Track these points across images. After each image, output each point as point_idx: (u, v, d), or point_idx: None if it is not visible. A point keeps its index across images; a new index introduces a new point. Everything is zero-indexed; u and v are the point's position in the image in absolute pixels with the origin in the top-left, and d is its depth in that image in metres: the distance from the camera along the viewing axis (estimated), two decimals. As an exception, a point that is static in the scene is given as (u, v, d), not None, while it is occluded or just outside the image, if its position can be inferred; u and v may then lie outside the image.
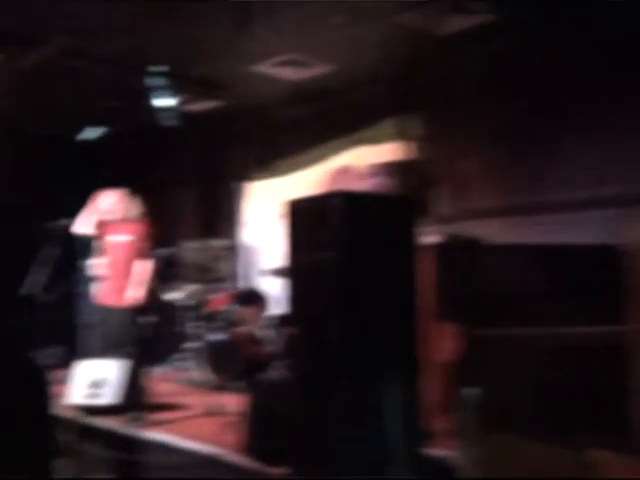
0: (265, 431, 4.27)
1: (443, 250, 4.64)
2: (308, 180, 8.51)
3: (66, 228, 6.20)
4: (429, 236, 4.60)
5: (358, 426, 3.58)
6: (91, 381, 5.70)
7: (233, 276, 8.32)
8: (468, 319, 4.42)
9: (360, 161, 8.01)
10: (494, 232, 6.23)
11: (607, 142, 6.05)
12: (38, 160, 9.51)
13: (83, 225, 6.20)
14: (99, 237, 6.41)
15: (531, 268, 4.79)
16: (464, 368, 4.23)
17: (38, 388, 3.89)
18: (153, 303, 6.36)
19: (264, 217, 8.97)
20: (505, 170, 6.77)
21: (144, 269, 6.15)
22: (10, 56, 6.77)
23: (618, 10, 5.73)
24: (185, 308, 7.76)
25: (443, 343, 4.41)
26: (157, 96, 7.79)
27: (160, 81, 7.62)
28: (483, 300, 4.52)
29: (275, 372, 6.54)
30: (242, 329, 7.04)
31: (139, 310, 6.09)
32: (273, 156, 9.09)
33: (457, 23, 6.27)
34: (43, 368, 4.39)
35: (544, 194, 6.45)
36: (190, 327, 7.62)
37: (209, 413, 5.47)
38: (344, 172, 8.13)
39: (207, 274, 7.96)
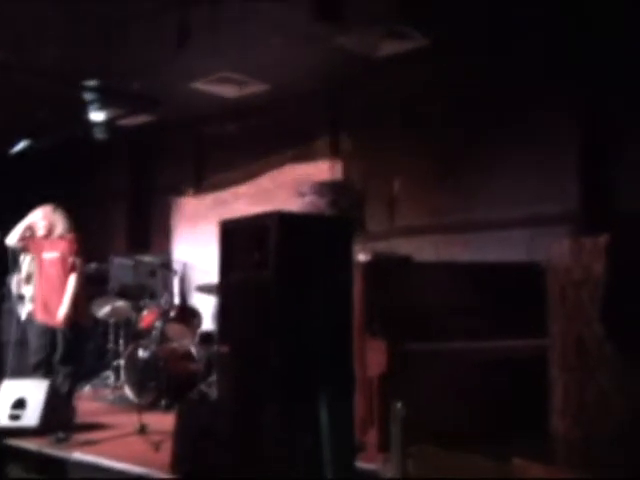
0: (193, 449, 4.23)
1: (372, 268, 4.72)
2: (241, 196, 8.52)
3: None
4: (358, 254, 4.68)
5: (290, 441, 3.59)
6: (15, 401, 5.54)
7: (166, 292, 8.22)
8: (396, 334, 4.50)
9: (292, 179, 8.07)
10: (425, 250, 6.37)
11: (532, 164, 6.27)
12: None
13: (15, 240, 6.06)
14: (25, 253, 6.28)
15: (459, 285, 4.91)
16: (392, 382, 4.30)
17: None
18: (82, 320, 6.23)
19: (197, 233, 8.91)
20: (434, 189, 6.93)
21: (75, 285, 6.03)
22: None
23: (542, 39, 6.00)
24: (115, 324, 7.63)
25: (371, 358, 4.46)
26: (90, 109, 7.71)
27: (94, 95, 7.55)
28: (412, 316, 4.61)
29: (204, 389, 6.49)
30: (173, 346, 6.97)
31: (68, 327, 5.95)
32: (207, 171, 9.08)
33: (392, 47, 6.44)
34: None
35: (473, 213, 6.63)
36: (120, 344, 7.50)
37: (139, 432, 5.38)
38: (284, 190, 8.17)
39: (138, 290, 7.85)
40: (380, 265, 4.87)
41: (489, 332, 4.69)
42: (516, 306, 4.83)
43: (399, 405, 3.56)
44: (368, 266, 4.75)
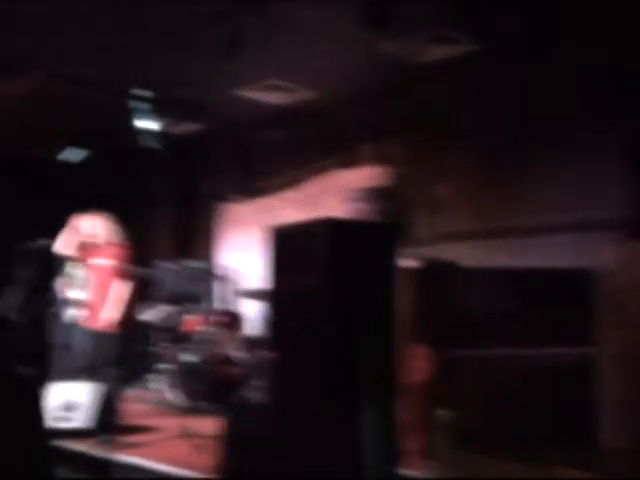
0: (240, 453, 4.25)
1: (420, 274, 4.69)
2: (287, 202, 8.55)
3: (43, 249, 6.15)
4: (405, 260, 4.65)
5: (334, 447, 3.58)
6: (63, 404, 5.64)
7: (209, 297, 8.29)
8: (442, 341, 4.46)
9: (338, 185, 8.06)
10: (469, 255, 6.30)
11: (578, 168, 6.17)
12: (17, 181, 9.50)
13: (64, 246, 6.15)
14: (80, 260, 6.35)
15: (505, 291, 4.85)
16: (437, 389, 4.26)
17: (30, 398, 3.86)
18: (129, 325, 6.31)
19: (242, 239, 8.97)
20: (479, 195, 6.86)
21: (122, 291, 6.10)
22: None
23: (588, 45, 5.91)
24: (159, 329, 7.71)
25: (416, 364, 4.43)
26: (140, 119, 7.82)
27: (143, 104, 7.66)
28: (457, 322, 4.57)
29: (250, 394, 6.52)
30: (216, 350, 7.01)
31: (115, 332, 6.03)
32: (253, 178, 9.13)
33: (437, 51, 6.42)
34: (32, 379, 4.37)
35: (517, 218, 6.54)
36: (164, 348, 7.58)
37: (182, 435, 5.42)
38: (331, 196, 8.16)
39: (183, 295, 7.93)
40: (425, 271, 4.84)
41: (535, 339, 4.62)
42: (562, 313, 4.75)
43: (444, 412, 3.52)
44: (414, 272, 4.72)
